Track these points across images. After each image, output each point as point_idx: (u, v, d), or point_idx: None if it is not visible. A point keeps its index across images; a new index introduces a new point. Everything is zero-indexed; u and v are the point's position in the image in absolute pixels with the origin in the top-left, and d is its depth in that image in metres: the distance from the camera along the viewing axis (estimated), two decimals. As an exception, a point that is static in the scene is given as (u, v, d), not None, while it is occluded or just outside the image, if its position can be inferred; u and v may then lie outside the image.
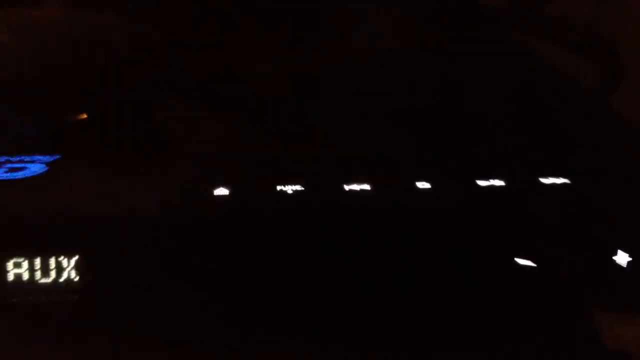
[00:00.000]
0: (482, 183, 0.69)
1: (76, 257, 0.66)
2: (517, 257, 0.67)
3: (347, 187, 0.68)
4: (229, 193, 0.68)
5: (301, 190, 0.68)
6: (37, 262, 0.66)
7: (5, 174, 0.71)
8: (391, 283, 0.67)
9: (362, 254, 0.67)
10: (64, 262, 0.66)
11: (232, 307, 0.67)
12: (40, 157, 0.74)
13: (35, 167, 0.72)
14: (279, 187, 0.68)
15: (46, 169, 0.72)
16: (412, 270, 0.67)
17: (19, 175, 0.71)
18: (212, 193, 0.67)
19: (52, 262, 0.66)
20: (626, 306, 0.69)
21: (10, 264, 0.65)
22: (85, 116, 0.81)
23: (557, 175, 0.70)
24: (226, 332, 0.67)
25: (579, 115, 0.81)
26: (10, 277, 0.66)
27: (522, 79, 0.85)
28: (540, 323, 0.68)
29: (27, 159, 0.74)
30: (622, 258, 0.67)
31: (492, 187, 0.69)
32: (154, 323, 0.68)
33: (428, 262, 0.67)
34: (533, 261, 0.67)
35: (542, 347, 0.68)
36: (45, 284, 0.66)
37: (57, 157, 0.75)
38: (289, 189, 0.68)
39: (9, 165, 0.73)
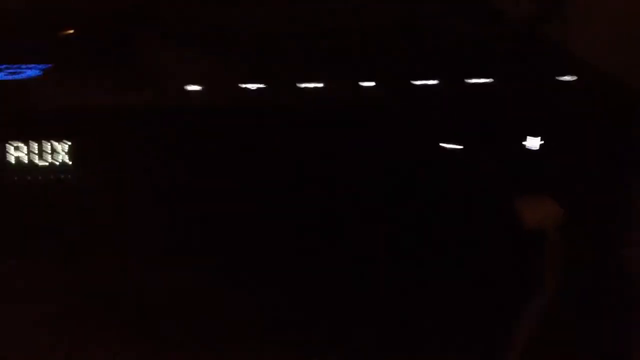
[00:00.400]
0: (417, 82, 0.81)
1: (68, 143, 0.77)
2: (445, 144, 0.79)
3: (301, 85, 0.79)
4: (201, 88, 0.79)
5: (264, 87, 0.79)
6: (35, 147, 0.77)
7: (5, 76, 0.82)
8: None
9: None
10: (58, 147, 0.77)
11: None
12: (35, 65, 0.85)
13: (31, 72, 0.83)
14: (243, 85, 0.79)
15: (40, 73, 0.83)
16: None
17: (17, 77, 0.82)
18: (186, 88, 0.79)
19: (48, 147, 0.77)
20: (539, 189, 0.81)
21: (11, 149, 0.76)
22: (72, 31, 0.91)
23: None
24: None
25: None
26: (12, 159, 0.77)
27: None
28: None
29: (24, 66, 0.84)
30: (533, 143, 0.79)
31: (426, 85, 0.80)
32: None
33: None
34: (458, 149, 0.79)
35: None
36: (43, 165, 0.77)
37: (49, 65, 0.85)
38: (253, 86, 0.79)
39: (8, 70, 0.83)
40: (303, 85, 0.78)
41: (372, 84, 0.79)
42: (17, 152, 0.76)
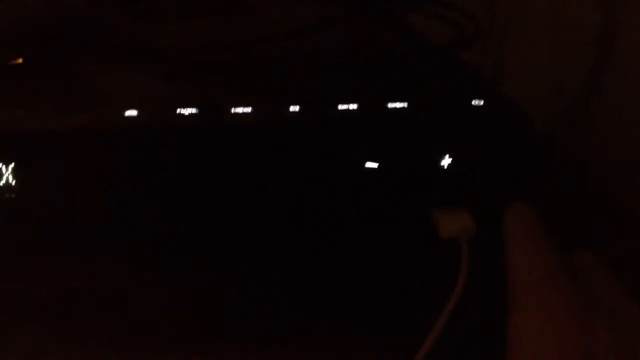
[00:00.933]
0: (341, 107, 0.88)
1: (12, 165, 0.82)
2: (368, 162, 0.86)
3: (232, 110, 0.86)
4: (137, 114, 0.85)
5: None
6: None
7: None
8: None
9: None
10: (2, 168, 0.82)
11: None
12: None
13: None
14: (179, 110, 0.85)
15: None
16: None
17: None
18: (123, 114, 0.85)
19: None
20: (452, 202, 0.89)
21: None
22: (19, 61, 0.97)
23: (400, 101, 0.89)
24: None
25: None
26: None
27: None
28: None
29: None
30: (445, 161, 0.86)
31: (348, 109, 0.88)
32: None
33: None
34: (378, 166, 0.86)
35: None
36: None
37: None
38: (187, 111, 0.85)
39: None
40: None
41: (296, 108, 0.86)
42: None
